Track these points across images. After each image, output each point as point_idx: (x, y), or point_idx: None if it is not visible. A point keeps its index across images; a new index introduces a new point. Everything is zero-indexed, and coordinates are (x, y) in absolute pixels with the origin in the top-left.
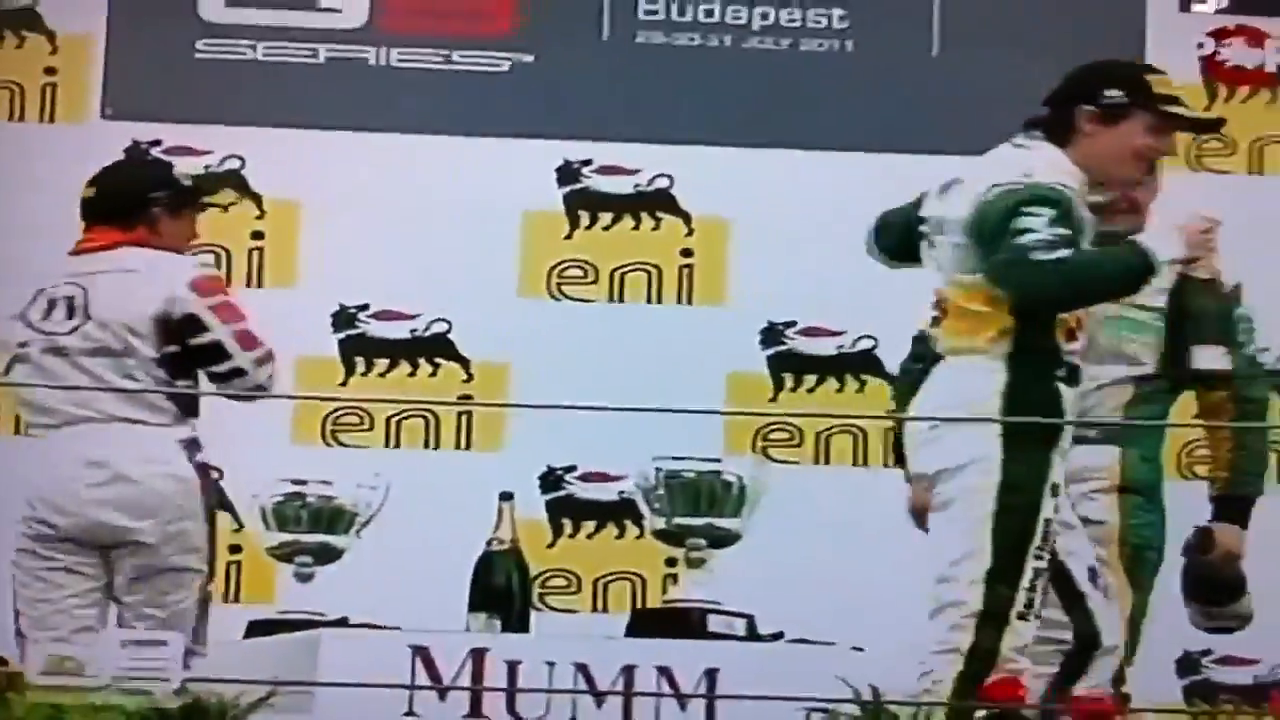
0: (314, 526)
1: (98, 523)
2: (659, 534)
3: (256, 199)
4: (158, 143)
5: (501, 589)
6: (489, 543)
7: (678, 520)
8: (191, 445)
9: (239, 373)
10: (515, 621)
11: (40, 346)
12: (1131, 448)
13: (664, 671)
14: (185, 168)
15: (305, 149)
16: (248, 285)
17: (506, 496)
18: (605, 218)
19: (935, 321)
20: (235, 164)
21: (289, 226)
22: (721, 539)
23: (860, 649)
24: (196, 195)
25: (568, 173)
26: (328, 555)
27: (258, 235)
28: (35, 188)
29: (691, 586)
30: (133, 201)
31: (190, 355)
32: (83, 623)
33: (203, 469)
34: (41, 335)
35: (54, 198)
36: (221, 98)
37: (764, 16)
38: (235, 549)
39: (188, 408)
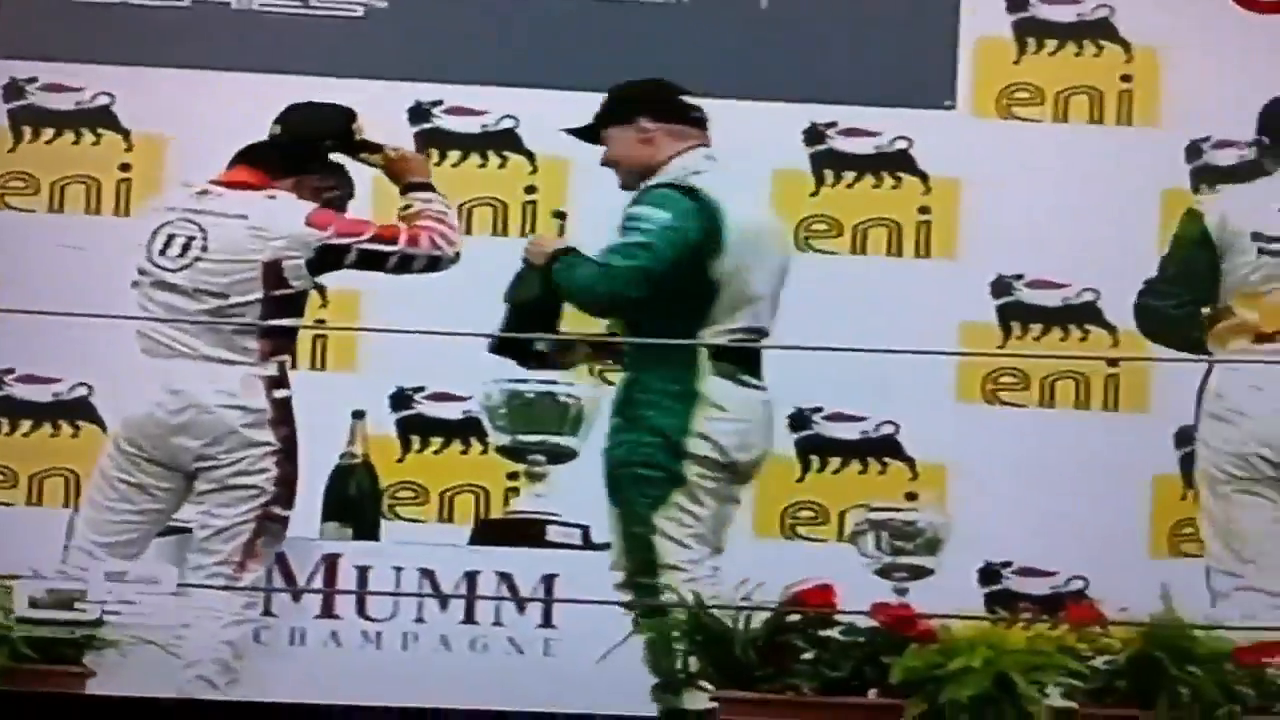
0: None
1: (172, 445)
2: (501, 450)
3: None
4: (34, 79)
5: (353, 500)
6: (341, 456)
7: (519, 438)
8: (272, 382)
9: (406, 259)
10: (366, 530)
11: (151, 280)
12: None
13: (504, 577)
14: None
15: (172, 87)
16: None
17: (359, 415)
18: (454, 155)
19: None
20: (105, 100)
21: (157, 159)
22: (559, 456)
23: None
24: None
25: (419, 112)
26: None
27: (125, 168)
28: None
29: (531, 499)
30: (302, 150)
31: (294, 300)
32: (128, 536)
33: (279, 404)
34: (155, 268)
35: None
36: (94, 38)
37: None
38: None
39: (275, 349)
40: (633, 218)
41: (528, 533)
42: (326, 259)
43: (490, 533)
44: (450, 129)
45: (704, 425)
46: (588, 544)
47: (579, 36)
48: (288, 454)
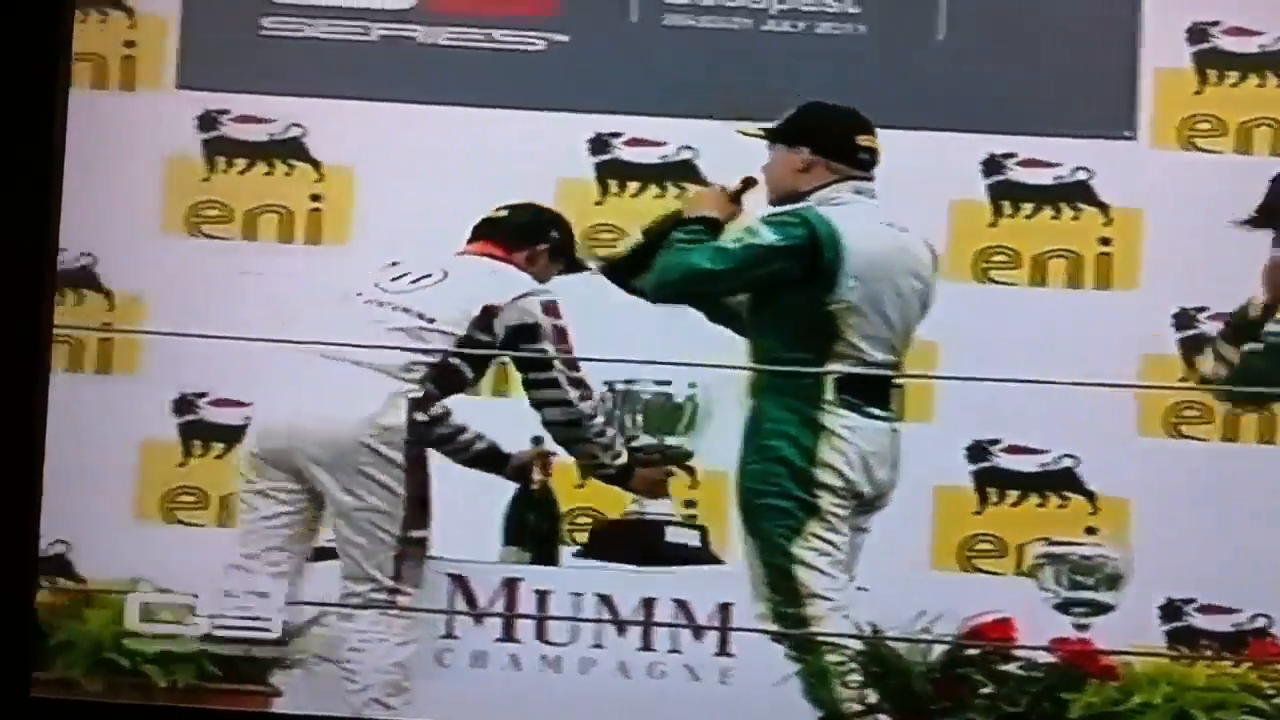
0: None
1: (292, 449)
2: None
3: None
4: (226, 111)
5: (532, 526)
6: (521, 483)
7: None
8: (418, 404)
9: (555, 384)
10: (546, 555)
11: (365, 297)
12: None
13: (681, 605)
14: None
15: (360, 119)
16: (306, 242)
17: (538, 441)
18: (633, 186)
19: None
20: (296, 132)
21: (345, 190)
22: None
23: (864, 589)
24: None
25: (599, 144)
26: None
27: (316, 198)
28: (120, 155)
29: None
30: (532, 231)
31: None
32: (265, 545)
33: (419, 427)
34: (375, 288)
35: (134, 164)
36: (284, 71)
37: (781, 0)
38: None
39: (444, 385)
40: (747, 228)
41: (644, 536)
42: (520, 336)
43: (605, 539)
44: (630, 160)
45: (829, 455)
46: (706, 547)
47: (756, 67)
48: (415, 478)
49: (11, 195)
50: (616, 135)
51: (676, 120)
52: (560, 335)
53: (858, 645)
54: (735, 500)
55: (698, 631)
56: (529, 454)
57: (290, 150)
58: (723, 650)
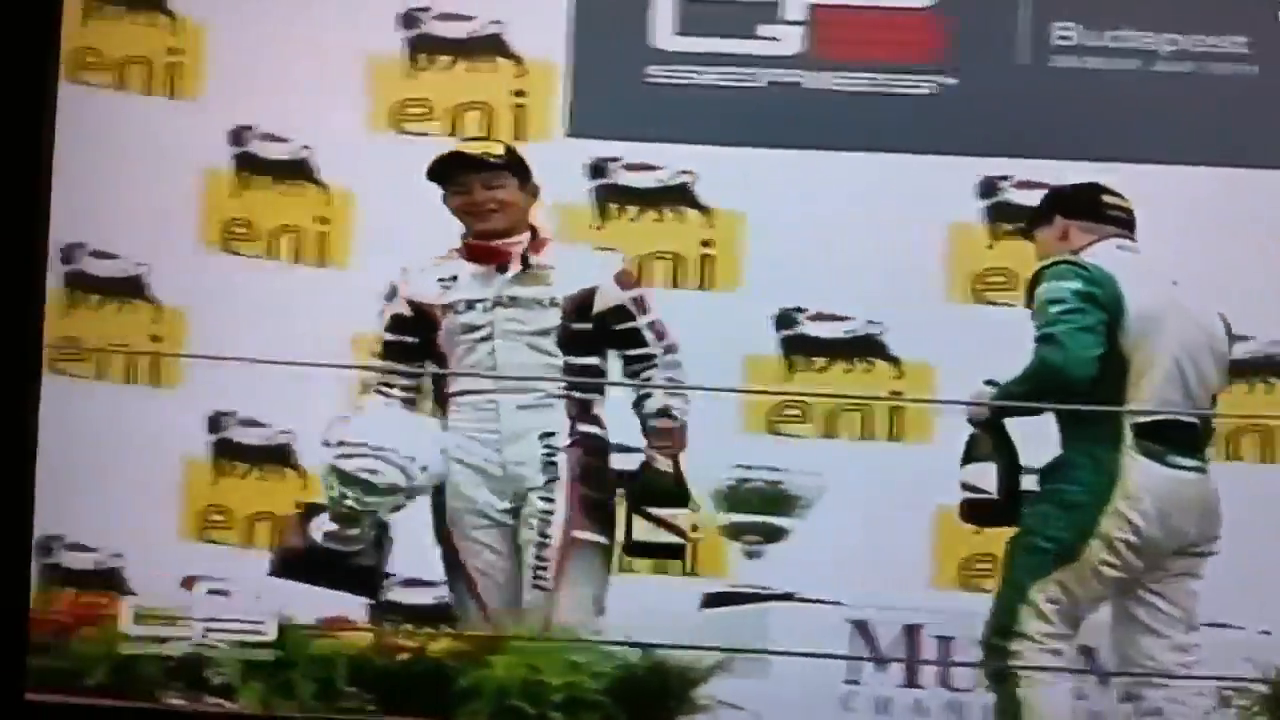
0: (763, 509)
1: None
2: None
3: None
4: (616, 159)
5: None
6: None
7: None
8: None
9: (649, 359)
10: None
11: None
12: None
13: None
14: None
15: (749, 165)
16: (699, 287)
17: None
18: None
19: None
20: (686, 179)
21: (735, 236)
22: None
23: (1267, 632)
24: None
25: (988, 187)
26: (775, 535)
27: (707, 243)
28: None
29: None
30: None
31: (604, 338)
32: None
33: (577, 442)
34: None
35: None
36: (671, 118)
37: (1171, 42)
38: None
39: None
40: (1051, 299)
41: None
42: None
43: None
44: (1019, 203)
45: (1120, 505)
46: None
47: (1144, 109)
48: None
49: None
50: (1005, 178)
51: (1063, 162)
52: (643, 305)
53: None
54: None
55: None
56: None
57: (680, 197)
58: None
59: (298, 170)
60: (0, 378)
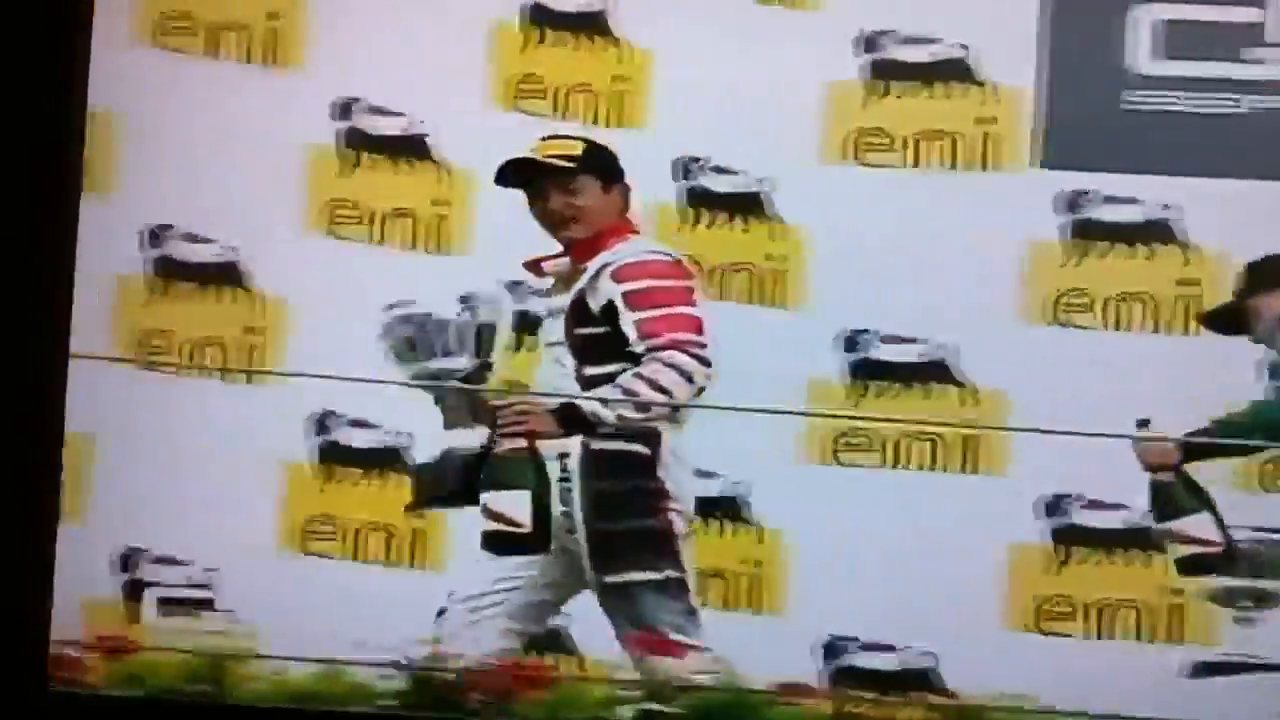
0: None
1: None
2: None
3: None
4: (1085, 193)
5: None
6: None
7: None
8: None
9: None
10: None
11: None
12: None
13: None
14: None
15: (1234, 198)
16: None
17: None
18: None
19: None
20: (1168, 214)
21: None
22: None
23: None
24: None
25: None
26: (1267, 600)
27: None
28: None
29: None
30: None
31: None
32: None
33: None
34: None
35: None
36: (1148, 148)
37: None
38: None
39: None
40: None
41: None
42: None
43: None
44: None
45: None
46: None
47: None
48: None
49: None
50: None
51: None
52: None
53: None
54: None
55: None
56: None
57: (1159, 234)
58: None
59: (412, 148)
60: (23, 368)
